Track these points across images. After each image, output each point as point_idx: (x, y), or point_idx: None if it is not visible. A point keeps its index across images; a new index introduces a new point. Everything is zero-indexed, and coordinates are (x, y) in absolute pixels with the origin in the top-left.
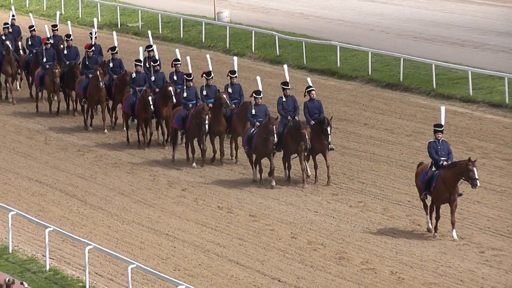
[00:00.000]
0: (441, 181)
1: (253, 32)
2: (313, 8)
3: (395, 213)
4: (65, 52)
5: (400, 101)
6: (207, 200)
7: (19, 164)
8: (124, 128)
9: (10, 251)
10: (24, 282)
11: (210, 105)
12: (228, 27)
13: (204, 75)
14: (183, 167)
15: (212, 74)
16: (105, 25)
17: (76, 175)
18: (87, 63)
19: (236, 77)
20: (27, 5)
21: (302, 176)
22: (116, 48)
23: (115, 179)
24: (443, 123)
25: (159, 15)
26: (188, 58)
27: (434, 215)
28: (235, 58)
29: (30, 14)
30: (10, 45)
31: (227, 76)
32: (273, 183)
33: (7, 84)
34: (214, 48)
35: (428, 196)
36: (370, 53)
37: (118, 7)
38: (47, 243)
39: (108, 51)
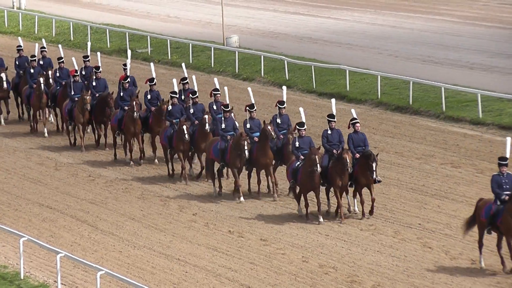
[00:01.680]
0: (507, 215)
1: (262, 56)
2: (322, 32)
3: (406, 236)
4: (94, 84)
5: (410, 124)
6: (218, 225)
7: (29, 190)
8: (156, 161)
9: (22, 277)
10: None
11: (256, 139)
12: (237, 52)
13: (247, 108)
14: (193, 191)
15: (255, 107)
16: (114, 51)
17: (87, 200)
18: (122, 94)
19: (284, 107)
20: (36, 32)
21: (337, 210)
22: (155, 80)
23: (126, 204)
24: (508, 155)
25: (168, 40)
26: (226, 88)
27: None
28: (284, 88)
29: (59, 46)
30: (42, 81)
31: (276, 106)
32: (321, 219)
33: (38, 117)
34: (223, 73)
35: (492, 231)
36: (379, 76)
37: (127, 33)
38: (59, 268)
39: (146, 82)
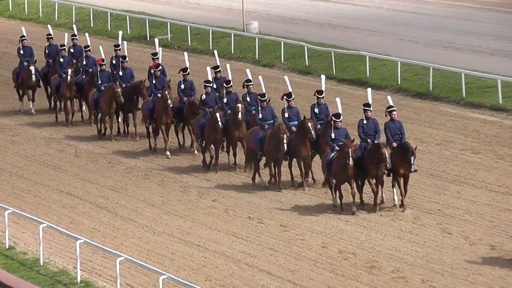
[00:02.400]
0: None
1: (282, 43)
2: (342, 18)
3: (426, 221)
4: (120, 73)
5: (430, 110)
6: (237, 211)
7: (49, 176)
8: (195, 152)
9: (41, 264)
10: None
11: (293, 128)
12: (257, 38)
13: (284, 97)
14: (213, 177)
15: (293, 96)
16: (134, 38)
17: (107, 187)
18: (154, 83)
19: (323, 97)
20: (56, 18)
21: (374, 200)
22: (188, 69)
23: (146, 191)
24: None
25: (188, 27)
26: (260, 77)
27: None
28: (323, 77)
29: (86, 34)
30: (69, 72)
31: (314, 95)
32: (354, 209)
33: (66, 107)
34: (244, 59)
35: None
36: (399, 62)
37: (147, 20)
38: (78, 255)
39: (179, 72)
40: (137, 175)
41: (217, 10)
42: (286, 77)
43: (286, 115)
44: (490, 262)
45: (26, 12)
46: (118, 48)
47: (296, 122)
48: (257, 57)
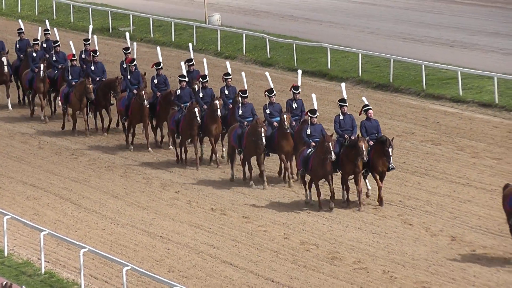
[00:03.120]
0: None
1: (244, 34)
2: (303, 10)
3: (387, 213)
4: (92, 68)
5: (391, 102)
6: (200, 202)
7: (13, 168)
8: (170, 146)
9: (6, 255)
10: (23, 287)
11: (275, 124)
12: (219, 30)
13: (266, 93)
14: (176, 169)
15: (274, 92)
16: (96, 30)
17: (70, 178)
18: (129, 77)
19: (299, 92)
20: (19, 11)
21: (358, 198)
22: (161, 64)
23: (109, 182)
24: None
25: (150, 19)
26: (243, 73)
27: None
28: (299, 71)
29: (55, 29)
30: (42, 67)
31: (290, 90)
32: (332, 205)
33: (40, 101)
34: (206, 51)
35: None
36: (360, 54)
37: (109, 12)
38: (42, 246)
39: (152, 66)
40: (100, 167)
41: (179, 2)
42: (267, 73)
43: (268, 111)
44: (451, 253)
45: None
46: (88, 43)
47: (278, 119)
48: (219, 49)
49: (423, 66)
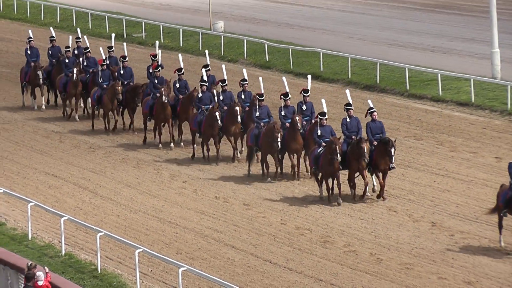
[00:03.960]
0: None
1: (245, 40)
2: (299, 18)
3: (374, 201)
4: (121, 72)
5: (377, 101)
6: (205, 191)
7: (36, 160)
8: (191, 146)
9: (30, 238)
10: (45, 267)
11: (287, 125)
12: (222, 36)
13: (281, 96)
14: (183, 161)
15: (289, 96)
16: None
17: (88, 169)
18: (155, 82)
19: (309, 95)
20: (42, 18)
21: (363, 191)
22: (183, 70)
23: (123, 173)
24: None
25: (161, 26)
26: (260, 78)
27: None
28: (309, 76)
29: (85, 37)
30: (75, 71)
31: (300, 93)
32: (339, 200)
33: (72, 104)
34: (210, 55)
35: (507, 214)
36: (349, 58)
37: (124, 19)
38: (63, 230)
39: (174, 72)
40: (115, 159)
41: (186, 11)
42: (284, 78)
43: (283, 113)
44: (431, 237)
45: (15, 12)
46: (112, 50)
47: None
48: (222, 53)
49: (407, 69)
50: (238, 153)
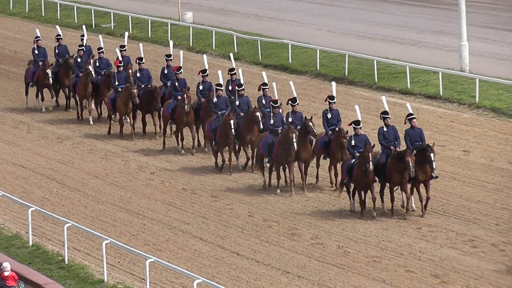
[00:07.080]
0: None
1: (214, 31)
2: (267, 10)
3: (342, 194)
4: (138, 75)
5: (345, 94)
6: (173, 183)
7: (4, 150)
8: (208, 152)
9: None
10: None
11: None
12: (191, 27)
13: (289, 102)
14: (151, 153)
15: (298, 101)
16: (79, 26)
17: (56, 160)
18: (177, 84)
19: (334, 102)
20: (11, 8)
21: (406, 205)
22: (207, 71)
23: (91, 164)
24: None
25: (129, 16)
26: (274, 84)
27: None
28: (334, 84)
29: (100, 36)
30: (91, 69)
31: (326, 101)
32: (374, 214)
33: (83, 106)
34: (179, 46)
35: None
36: (318, 50)
37: (92, 10)
38: (30, 221)
39: (198, 74)
40: (83, 150)
41: (155, 1)
42: (291, 82)
43: (290, 119)
44: (399, 230)
45: None
46: (124, 49)
47: (300, 127)
48: (191, 44)
49: (375, 61)
50: (252, 164)
